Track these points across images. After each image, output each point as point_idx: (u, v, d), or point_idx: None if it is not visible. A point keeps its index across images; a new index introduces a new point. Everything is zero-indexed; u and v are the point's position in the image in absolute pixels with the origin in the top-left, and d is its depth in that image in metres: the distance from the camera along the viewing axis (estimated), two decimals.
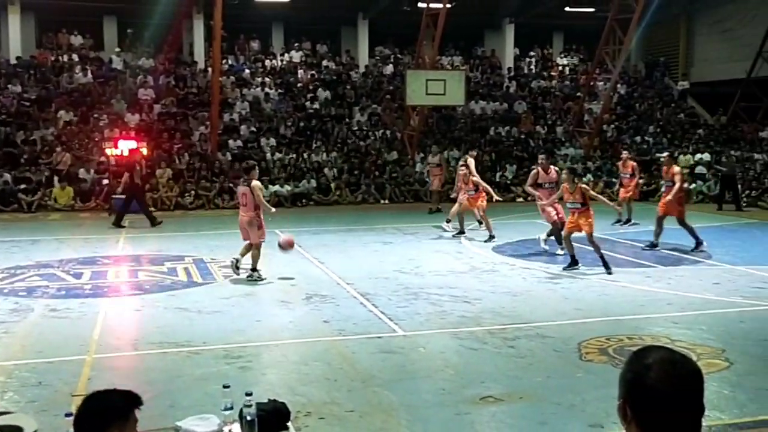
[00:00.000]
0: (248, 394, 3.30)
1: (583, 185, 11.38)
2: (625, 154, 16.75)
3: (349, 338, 7.69)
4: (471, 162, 15.83)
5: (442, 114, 25.95)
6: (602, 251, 11.10)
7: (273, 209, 10.92)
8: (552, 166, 13.40)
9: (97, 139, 21.63)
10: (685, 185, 15.61)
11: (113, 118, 22.59)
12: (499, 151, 24.25)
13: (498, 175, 22.82)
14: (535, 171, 13.20)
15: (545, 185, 12.79)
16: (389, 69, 27.75)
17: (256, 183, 10.56)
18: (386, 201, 21.70)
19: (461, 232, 14.78)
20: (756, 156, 22.99)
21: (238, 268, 10.65)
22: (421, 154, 23.18)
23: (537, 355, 7.14)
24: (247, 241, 10.67)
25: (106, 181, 19.72)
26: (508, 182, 22.51)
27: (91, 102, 23.50)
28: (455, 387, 6.24)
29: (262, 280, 10.49)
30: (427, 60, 22.99)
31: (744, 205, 19.52)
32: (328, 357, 7.08)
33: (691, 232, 12.83)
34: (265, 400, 3.68)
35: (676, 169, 13.11)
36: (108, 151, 19.82)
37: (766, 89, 24.70)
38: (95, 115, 22.78)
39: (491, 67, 29.28)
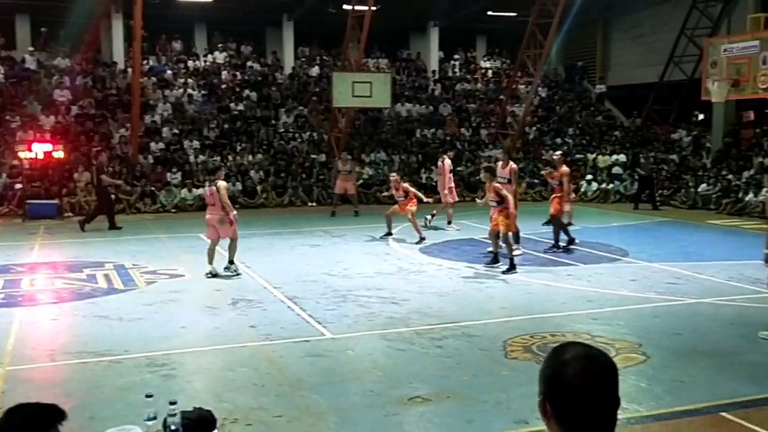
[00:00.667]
0: (172, 403, 3.22)
1: (496, 184, 11.59)
2: (548, 168, 16.81)
3: (276, 342, 7.62)
4: (448, 162, 16.56)
5: (369, 116, 26.02)
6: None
7: (234, 211, 11.16)
8: (511, 162, 13.51)
9: (9, 142, 20.73)
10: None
11: (27, 120, 21.66)
12: (425, 153, 24.50)
13: (425, 176, 23.05)
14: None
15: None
16: (315, 70, 27.65)
17: (221, 183, 11.02)
18: (314, 203, 21.60)
19: (389, 233, 14.86)
20: (669, 157, 23.95)
21: (215, 275, 10.86)
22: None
23: (464, 354, 7.25)
24: (211, 241, 11.06)
25: (19, 186, 18.92)
26: (434, 184, 22.74)
27: (2, 103, 22.48)
28: (384, 388, 6.26)
29: (239, 274, 10.89)
30: (353, 62, 23.03)
31: (658, 204, 20.32)
32: (255, 362, 6.99)
33: (564, 230, 13.21)
34: (191, 409, 3.60)
35: (564, 169, 13.46)
36: (21, 155, 19.01)
37: (677, 93, 25.75)
38: (7, 117, 21.80)
39: (416, 69, 29.54)
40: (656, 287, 10.18)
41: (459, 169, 23.57)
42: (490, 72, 30.62)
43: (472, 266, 11.85)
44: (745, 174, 20.03)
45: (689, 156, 23.71)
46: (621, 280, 10.70)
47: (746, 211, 18.50)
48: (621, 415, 5.96)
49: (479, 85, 29.53)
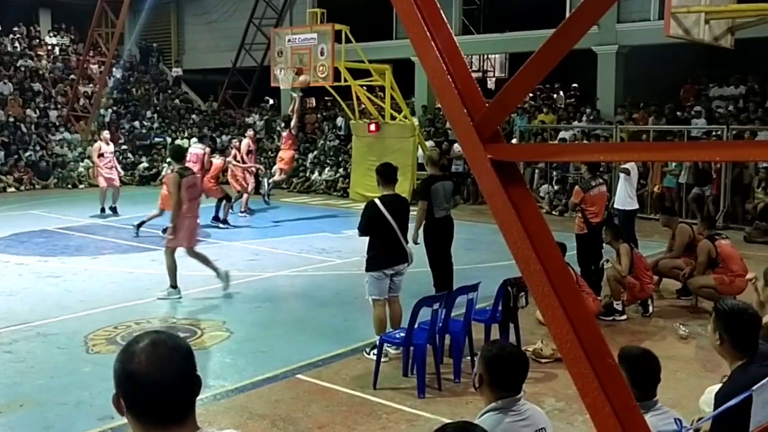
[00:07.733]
0: None
1: None
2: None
3: None
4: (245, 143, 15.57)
5: None
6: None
7: None
8: None
9: None
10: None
11: None
12: None
13: None
14: (97, 145, 15.08)
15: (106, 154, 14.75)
16: None
17: None
18: None
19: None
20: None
21: None
22: None
23: (38, 356, 6.68)
24: None
25: None
26: None
27: None
28: None
29: None
30: None
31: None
32: None
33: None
34: None
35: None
36: None
37: (249, 78, 27.15)
38: None
39: None
40: (237, 265, 10.60)
41: (27, 154, 21.40)
42: (57, 49, 28.31)
43: (45, 260, 10.91)
44: (310, 156, 22.04)
45: (263, 139, 25.19)
46: None
47: (312, 189, 20.44)
48: (207, 392, 6.13)
49: (45, 63, 27.10)
